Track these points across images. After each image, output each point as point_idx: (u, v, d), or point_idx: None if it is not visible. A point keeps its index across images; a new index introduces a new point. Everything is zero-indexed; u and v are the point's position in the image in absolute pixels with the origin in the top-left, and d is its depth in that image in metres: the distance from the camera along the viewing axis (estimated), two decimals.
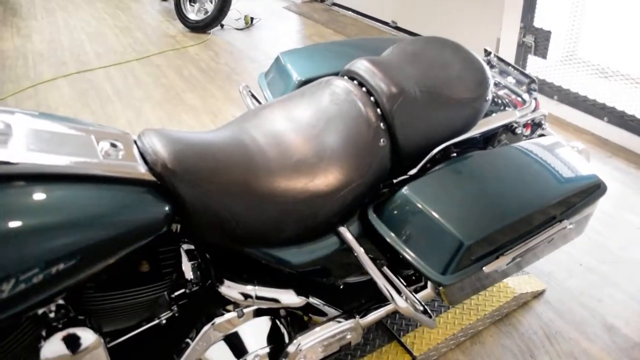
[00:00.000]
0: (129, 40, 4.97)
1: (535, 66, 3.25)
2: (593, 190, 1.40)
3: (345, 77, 1.38)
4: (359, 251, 1.26)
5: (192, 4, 5.19)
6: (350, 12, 5.49)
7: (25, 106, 3.66)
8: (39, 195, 0.85)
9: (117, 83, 4.03)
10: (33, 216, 0.83)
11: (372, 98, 1.30)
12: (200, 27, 5.05)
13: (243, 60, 4.43)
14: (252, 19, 5.26)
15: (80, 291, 1.02)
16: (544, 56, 3.16)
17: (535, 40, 3.16)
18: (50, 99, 3.79)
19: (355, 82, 1.34)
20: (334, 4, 5.74)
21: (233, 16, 5.31)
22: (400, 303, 1.22)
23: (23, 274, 0.81)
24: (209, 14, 5.02)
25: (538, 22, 3.15)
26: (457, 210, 1.22)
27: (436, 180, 1.29)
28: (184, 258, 1.24)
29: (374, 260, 1.28)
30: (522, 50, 3.26)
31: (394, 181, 1.36)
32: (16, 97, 3.78)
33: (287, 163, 1.20)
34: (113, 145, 1.04)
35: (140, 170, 1.03)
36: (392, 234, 1.24)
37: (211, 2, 5.09)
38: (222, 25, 5.14)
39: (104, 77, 4.15)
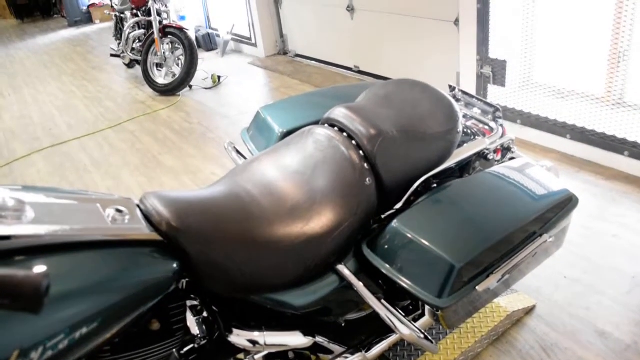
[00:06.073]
0: (100, 110, 5.05)
1: (496, 94, 3.41)
2: (566, 203, 1.50)
3: (326, 125, 1.47)
4: (359, 286, 1.32)
5: (160, 68, 5.30)
6: (313, 62, 5.67)
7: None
8: (63, 264, 0.90)
9: (93, 153, 4.07)
10: (58, 283, 0.88)
11: (353, 142, 1.39)
12: (169, 90, 5.16)
13: (215, 118, 4.53)
14: (219, 77, 5.40)
15: (97, 356, 1.06)
16: (502, 84, 3.32)
17: (493, 71, 3.33)
18: (26, 176, 3.80)
19: (335, 128, 1.44)
20: (297, 55, 5.93)
21: (200, 76, 5.44)
22: (404, 331, 1.28)
23: (50, 340, 0.85)
24: (176, 76, 5.15)
25: (493, 53, 3.33)
26: (445, 236, 1.30)
27: (422, 211, 1.38)
28: (191, 313, 1.29)
29: (373, 293, 1.34)
30: (482, 81, 3.43)
31: (382, 216, 1.44)
32: None
33: (282, 210, 1.27)
34: (118, 211, 1.09)
35: (147, 231, 1.09)
36: (387, 266, 1.31)
37: (178, 65, 5.23)
38: (190, 87, 5.26)
39: (79, 148, 4.19)
